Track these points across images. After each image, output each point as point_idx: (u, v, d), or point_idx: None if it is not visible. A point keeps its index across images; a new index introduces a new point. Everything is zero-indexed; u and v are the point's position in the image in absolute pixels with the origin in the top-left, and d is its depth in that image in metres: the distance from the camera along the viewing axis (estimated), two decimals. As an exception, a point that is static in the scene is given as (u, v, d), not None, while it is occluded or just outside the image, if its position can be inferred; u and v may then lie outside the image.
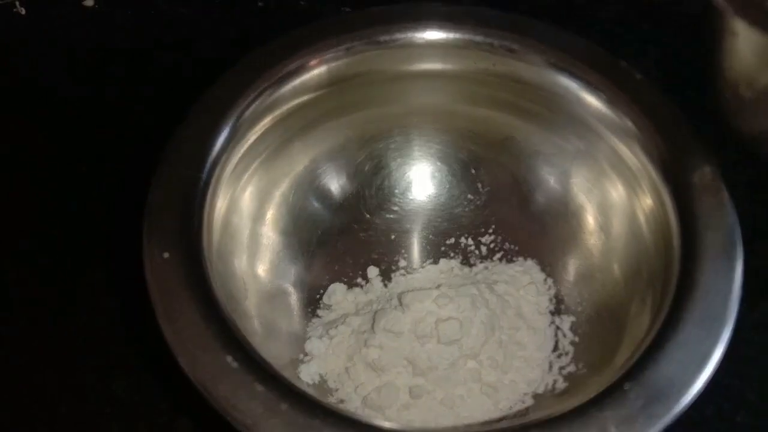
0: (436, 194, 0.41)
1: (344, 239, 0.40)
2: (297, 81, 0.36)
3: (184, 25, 0.51)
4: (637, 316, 0.33)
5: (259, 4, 0.52)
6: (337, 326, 0.36)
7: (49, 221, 0.43)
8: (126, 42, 0.51)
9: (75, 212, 0.43)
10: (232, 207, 0.35)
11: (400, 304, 0.35)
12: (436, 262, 0.40)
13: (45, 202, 0.44)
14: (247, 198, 0.36)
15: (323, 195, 0.40)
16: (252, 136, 0.35)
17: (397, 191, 0.41)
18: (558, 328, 0.37)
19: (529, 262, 0.39)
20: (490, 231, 0.40)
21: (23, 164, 0.45)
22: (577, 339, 0.36)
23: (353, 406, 0.34)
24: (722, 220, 0.31)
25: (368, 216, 0.40)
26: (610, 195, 0.37)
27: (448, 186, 0.41)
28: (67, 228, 0.42)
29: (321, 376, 0.35)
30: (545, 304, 0.38)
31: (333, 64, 0.36)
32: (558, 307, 0.38)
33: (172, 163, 0.32)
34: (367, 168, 0.40)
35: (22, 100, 0.48)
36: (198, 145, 0.33)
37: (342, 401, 0.34)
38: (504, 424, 0.28)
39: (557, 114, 0.37)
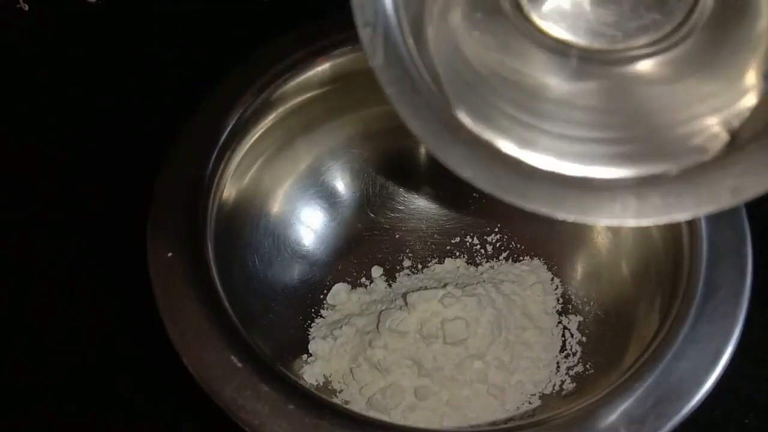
0: (440, 192, 0.41)
1: (348, 238, 0.39)
2: (300, 78, 0.35)
3: (187, 23, 0.51)
4: (646, 316, 0.32)
5: (264, 0, 0.52)
6: (341, 326, 0.36)
7: (49, 221, 0.42)
8: (128, 40, 0.50)
9: (75, 212, 0.43)
10: (236, 205, 0.35)
11: (405, 304, 0.35)
12: (441, 261, 0.40)
13: (45, 202, 0.43)
14: (250, 196, 0.36)
15: (327, 193, 0.39)
16: (255, 134, 0.35)
17: (401, 189, 0.40)
18: (565, 328, 0.37)
19: (536, 261, 0.39)
20: (496, 230, 0.40)
21: (23, 164, 0.45)
22: (584, 339, 0.36)
23: (358, 407, 0.34)
24: (732, 219, 0.31)
25: (372, 215, 0.40)
26: (617, 193, 0.36)
27: (452, 184, 0.40)
28: (68, 228, 0.42)
29: (325, 377, 0.35)
30: (552, 303, 0.37)
31: (337, 61, 0.36)
32: (565, 307, 0.37)
33: (175, 162, 0.32)
34: (371, 166, 0.40)
35: (23, 96, 0.48)
36: (201, 143, 0.33)
37: (347, 402, 0.34)
38: (512, 425, 0.28)
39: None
